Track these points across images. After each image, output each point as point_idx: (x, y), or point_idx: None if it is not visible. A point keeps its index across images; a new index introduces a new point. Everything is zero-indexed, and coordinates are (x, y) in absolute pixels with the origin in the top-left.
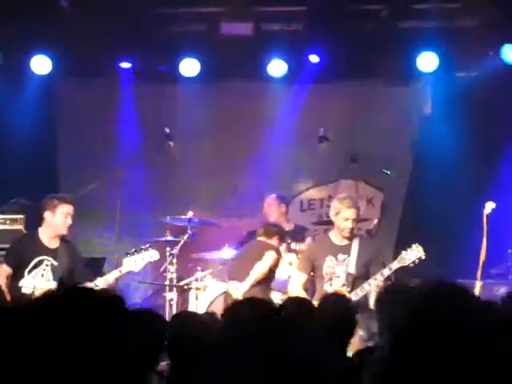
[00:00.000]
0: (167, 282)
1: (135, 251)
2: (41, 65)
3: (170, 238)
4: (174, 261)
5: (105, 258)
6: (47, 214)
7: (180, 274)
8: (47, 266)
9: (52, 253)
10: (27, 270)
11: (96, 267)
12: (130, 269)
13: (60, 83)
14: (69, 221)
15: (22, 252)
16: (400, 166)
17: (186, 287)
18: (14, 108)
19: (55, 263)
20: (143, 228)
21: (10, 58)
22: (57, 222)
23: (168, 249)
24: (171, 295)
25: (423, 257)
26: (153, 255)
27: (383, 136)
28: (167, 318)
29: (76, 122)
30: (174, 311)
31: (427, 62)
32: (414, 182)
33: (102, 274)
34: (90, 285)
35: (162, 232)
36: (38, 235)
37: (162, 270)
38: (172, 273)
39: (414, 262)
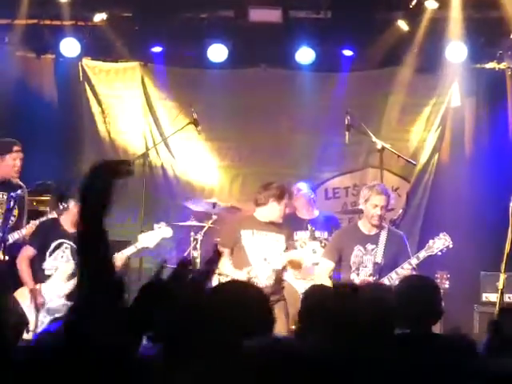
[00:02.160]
0: (191, 267)
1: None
2: (69, 48)
3: (194, 222)
4: (198, 246)
5: (129, 241)
6: None
7: (204, 259)
8: (67, 248)
9: (71, 237)
10: (48, 252)
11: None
12: (144, 245)
13: (88, 66)
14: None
15: (46, 235)
16: (426, 157)
17: None
18: (39, 92)
19: (74, 246)
20: (167, 213)
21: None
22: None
23: (192, 233)
24: None
25: (451, 245)
26: (167, 232)
27: (411, 126)
28: None
29: (102, 106)
30: None
31: (456, 52)
32: (440, 172)
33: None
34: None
35: (186, 217)
36: (59, 221)
37: (185, 254)
38: (196, 257)
39: (441, 251)
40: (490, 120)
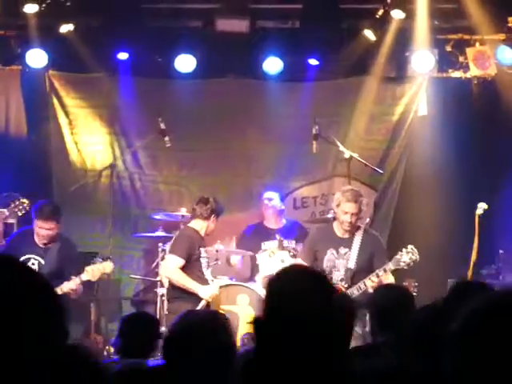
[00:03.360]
0: (159, 278)
1: (94, 261)
2: (36, 59)
3: (162, 233)
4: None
5: (97, 252)
6: None
7: None
8: (33, 264)
9: (41, 252)
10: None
11: (88, 262)
12: (88, 278)
13: (55, 77)
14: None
15: (18, 247)
16: (393, 166)
17: None
18: (5, 103)
19: (42, 262)
20: (135, 223)
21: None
22: None
23: (160, 244)
24: (162, 291)
25: (418, 259)
26: (106, 267)
27: (377, 135)
28: (158, 313)
29: (70, 117)
30: (165, 307)
31: (423, 61)
32: (407, 181)
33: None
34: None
35: (154, 227)
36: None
37: (153, 265)
38: None
39: (408, 265)
40: (457, 129)
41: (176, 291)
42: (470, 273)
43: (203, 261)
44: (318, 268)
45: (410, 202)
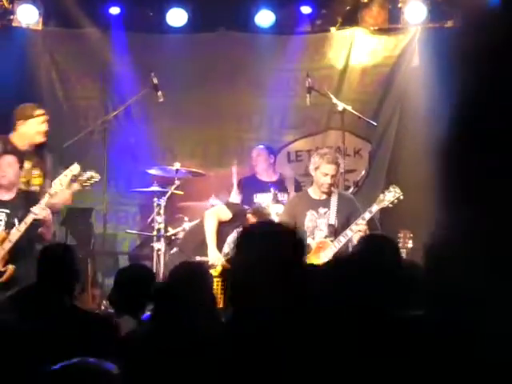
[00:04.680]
0: (155, 233)
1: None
2: (27, 15)
3: (157, 188)
4: (162, 211)
5: (92, 208)
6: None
7: (167, 224)
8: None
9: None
10: None
11: (84, 218)
12: (56, 189)
13: (46, 33)
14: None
15: None
16: (387, 117)
17: (173, 237)
18: None
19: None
20: (130, 179)
21: None
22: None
23: (155, 199)
24: (158, 245)
25: (401, 197)
26: (73, 169)
27: (370, 87)
28: (154, 267)
29: (61, 73)
30: (162, 261)
31: (415, 12)
32: (401, 132)
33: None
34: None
35: (149, 183)
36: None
37: (149, 220)
38: (160, 223)
39: (392, 203)
40: (450, 80)
41: None
42: None
43: None
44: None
45: (405, 153)
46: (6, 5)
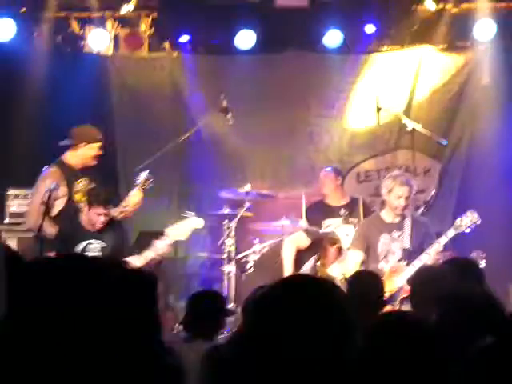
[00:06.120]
0: (225, 255)
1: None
2: (99, 40)
3: (227, 211)
4: (232, 234)
5: (163, 231)
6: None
7: (238, 246)
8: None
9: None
10: None
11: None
12: (176, 238)
13: (117, 59)
14: None
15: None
16: (457, 136)
17: (243, 260)
18: (67, 84)
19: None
20: (201, 201)
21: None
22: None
23: (226, 222)
24: (229, 268)
25: (479, 222)
26: (197, 222)
27: (439, 106)
28: (225, 290)
29: (133, 97)
30: (232, 284)
31: (485, 29)
32: (473, 151)
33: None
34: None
35: (219, 205)
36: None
37: (219, 243)
38: (230, 246)
39: (470, 227)
40: None
41: None
42: None
43: None
44: (369, 256)
45: (476, 172)
46: (77, 30)
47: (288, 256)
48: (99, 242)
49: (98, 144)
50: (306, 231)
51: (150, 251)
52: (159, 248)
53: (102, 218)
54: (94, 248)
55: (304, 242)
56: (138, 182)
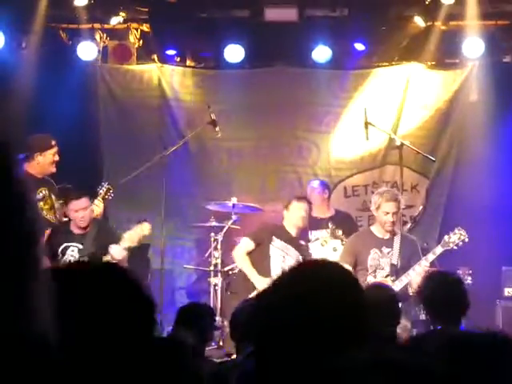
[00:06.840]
0: (212, 268)
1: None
2: (87, 51)
3: (214, 223)
4: (219, 246)
5: (149, 244)
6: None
7: (224, 259)
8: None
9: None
10: None
11: (141, 253)
12: (127, 244)
13: (105, 70)
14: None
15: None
16: (445, 153)
17: (230, 272)
18: (56, 95)
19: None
20: (188, 214)
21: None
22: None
23: (212, 234)
24: (216, 280)
25: (466, 239)
26: (144, 228)
27: (427, 122)
28: (212, 303)
29: (119, 109)
30: (219, 296)
31: (473, 47)
32: (459, 168)
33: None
34: None
35: (206, 218)
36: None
37: (206, 255)
38: (216, 258)
39: (457, 245)
40: (508, 114)
41: None
42: None
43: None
44: (358, 270)
45: (463, 189)
46: (66, 41)
47: (245, 265)
48: (77, 244)
49: (53, 150)
50: (248, 235)
51: (106, 255)
52: (114, 252)
53: (81, 214)
54: (72, 251)
55: (250, 245)
56: (100, 192)
